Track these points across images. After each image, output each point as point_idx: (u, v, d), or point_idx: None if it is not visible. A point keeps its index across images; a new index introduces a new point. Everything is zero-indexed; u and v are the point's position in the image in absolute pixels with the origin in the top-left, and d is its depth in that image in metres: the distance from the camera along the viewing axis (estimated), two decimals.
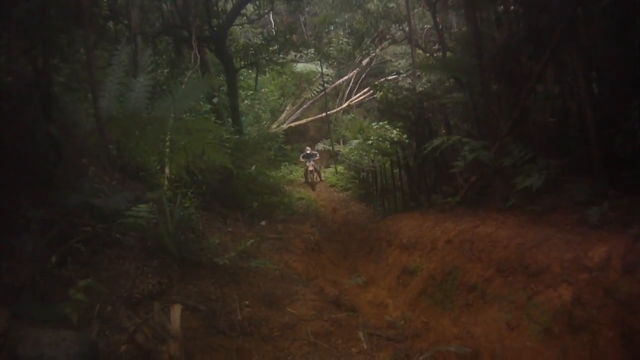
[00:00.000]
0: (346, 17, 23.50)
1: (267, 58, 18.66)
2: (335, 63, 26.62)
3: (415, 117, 11.68)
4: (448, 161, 10.05)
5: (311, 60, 24.70)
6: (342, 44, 24.93)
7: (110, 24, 14.29)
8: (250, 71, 22.13)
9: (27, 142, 5.94)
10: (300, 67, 26.44)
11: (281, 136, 23.61)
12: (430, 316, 6.78)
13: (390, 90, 12.93)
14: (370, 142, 19.01)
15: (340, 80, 29.29)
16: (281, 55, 19.10)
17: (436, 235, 7.92)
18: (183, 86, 7.17)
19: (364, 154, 20.10)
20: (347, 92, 29.31)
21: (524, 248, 5.48)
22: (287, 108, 28.27)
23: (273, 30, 24.02)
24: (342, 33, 25.66)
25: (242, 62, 18.53)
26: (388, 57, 27.55)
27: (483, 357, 5.11)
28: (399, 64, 25.83)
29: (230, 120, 16.15)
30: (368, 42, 23.93)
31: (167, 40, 16.58)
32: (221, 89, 16.91)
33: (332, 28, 25.27)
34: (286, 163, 23.22)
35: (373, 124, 21.36)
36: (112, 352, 3.83)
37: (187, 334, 4.45)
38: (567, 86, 7.77)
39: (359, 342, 5.29)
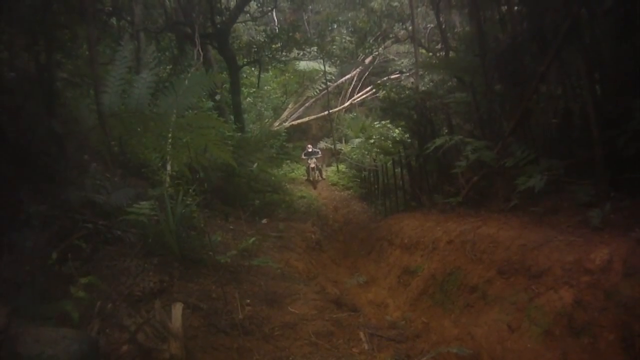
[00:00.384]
0: (349, 15, 23.57)
1: (270, 56, 18.68)
2: (338, 61, 26.59)
3: (417, 116, 11.66)
4: (450, 161, 10.03)
5: (314, 58, 24.70)
6: (345, 42, 24.96)
7: (114, 20, 14.30)
8: (252, 69, 22.16)
9: (29, 138, 5.95)
10: (302, 65, 26.46)
11: (283, 134, 23.58)
12: (430, 317, 6.77)
13: (393, 90, 12.92)
14: (372, 141, 19.03)
15: (343, 78, 29.27)
16: (284, 53, 19.15)
17: (437, 236, 7.90)
18: (186, 82, 7.18)
19: (366, 152, 20.13)
20: (350, 90, 29.30)
21: (525, 249, 5.46)
22: (290, 106, 28.29)
23: (276, 27, 23.99)
24: (345, 31, 25.73)
25: (245, 60, 18.52)
26: (391, 56, 27.56)
27: (483, 359, 5.10)
28: (402, 63, 25.83)
29: (232, 117, 16.15)
30: (371, 41, 23.99)
31: (170, 36, 16.58)
32: (223, 86, 16.91)
33: (335, 26, 25.36)
34: (288, 161, 23.18)
35: (375, 123, 21.39)
36: (113, 350, 3.82)
37: (188, 333, 4.44)
38: (570, 87, 7.75)
39: (360, 343, 5.28)
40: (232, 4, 18.33)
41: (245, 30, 24.65)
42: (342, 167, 23.08)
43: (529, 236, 5.71)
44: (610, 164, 6.08)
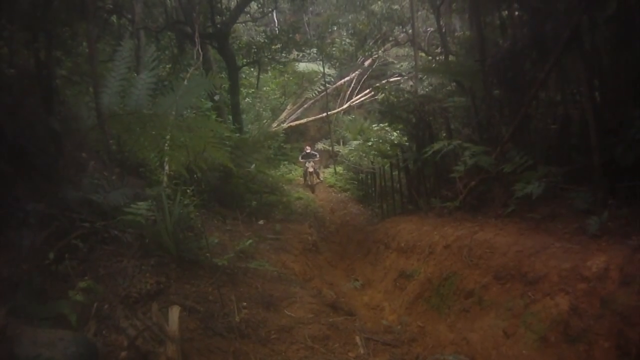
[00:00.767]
0: (350, 17, 23.54)
1: (270, 56, 18.70)
2: (337, 63, 26.61)
3: (416, 120, 11.67)
4: (448, 165, 10.04)
5: (313, 60, 24.77)
6: (344, 44, 24.95)
7: (114, 18, 14.27)
8: (252, 69, 22.18)
9: (27, 135, 5.91)
10: (302, 66, 26.52)
11: (281, 135, 23.58)
12: (426, 321, 6.78)
13: (392, 93, 12.93)
14: (370, 143, 19.04)
15: (342, 80, 29.31)
16: (283, 54, 19.16)
17: (434, 240, 7.91)
18: (185, 82, 7.17)
19: (364, 155, 20.12)
20: (349, 92, 29.32)
21: (522, 256, 5.47)
22: (288, 107, 28.30)
23: (276, 28, 24.00)
24: (345, 33, 25.72)
25: (245, 60, 18.54)
26: (390, 59, 27.56)
27: None
28: (401, 66, 25.85)
29: (230, 117, 16.16)
30: (371, 44, 23.98)
31: (170, 36, 16.57)
32: (222, 86, 16.90)
33: (335, 28, 25.34)
34: (285, 162, 23.14)
35: (373, 126, 21.43)
36: (110, 352, 3.81)
37: (185, 335, 4.43)
38: (569, 93, 7.77)
39: (355, 347, 5.28)
40: (233, 4, 18.34)
41: (245, 31, 24.66)
42: (339, 169, 23.07)
43: (526, 242, 5.72)
44: (608, 171, 6.09)
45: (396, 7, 21.63)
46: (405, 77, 24.72)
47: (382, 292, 9.02)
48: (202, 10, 15.46)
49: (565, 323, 4.35)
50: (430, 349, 5.85)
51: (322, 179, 22.02)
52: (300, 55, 21.06)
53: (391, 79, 25.55)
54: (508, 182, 7.52)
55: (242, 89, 20.34)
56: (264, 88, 25.43)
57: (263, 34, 21.13)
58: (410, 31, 19.53)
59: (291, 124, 27.27)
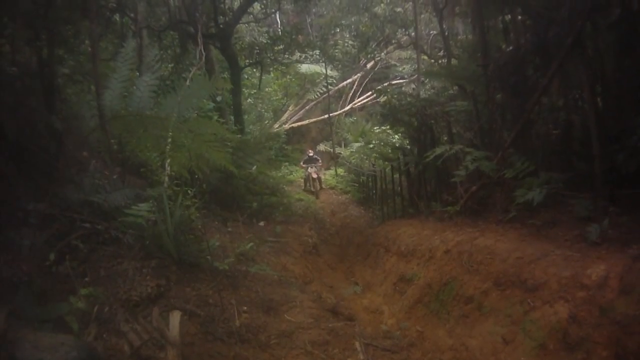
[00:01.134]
0: (352, 19, 23.54)
1: (272, 57, 18.67)
2: (339, 65, 26.60)
3: (418, 123, 11.67)
4: (449, 169, 10.04)
5: (316, 61, 24.71)
6: (347, 46, 24.95)
7: (117, 16, 14.25)
8: (254, 70, 22.14)
9: (28, 134, 5.90)
10: (304, 68, 26.50)
11: (283, 136, 23.54)
12: (425, 325, 6.78)
13: (395, 96, 12.91)
14: (371, 145, 18.99)
15: (344, 82, 29.29)
16: (286, 55, 19.11)
17: (434, 245, 7.90)
18: (187, 83, 7.14)
19: (365, 157, 20.07)
20: (351, 94, 29.31)
21: (522, 262, 5.47)
22: (290, 108, 28.30)
23: (279, 30, 24.01)
24: (347, 35, 25.71)
25: (247, 61, 18.52)
26: (393, 62, 27.58)
27: None
28: (404, 69, 25.85)
29: (232, 118, 16.14)
30: (373, 46, 23.97)
31: (173, 35, 16.56)
32: (224, 88, 16.88)
33: (338, 30, 25.31)
34: (286, 163, 23.07)
35: (375, 128, 21.39)
36: (110, 357, 3.80)
37: (185, 340, 4.41)
38: (571, 99, 7.76)
39: (355, 353, 5.27)
40: (236, 4, 18.31)
41: (248, 32, 24.64)
42: (340, 170, 23.03)
43: (526, 249, 5.73)
44: (609, 179, 6.09)
45: (399, 9, 21.65)
46: (407, 80, 24.71)
47: (382, 295, 9.02)
48: (205, 11, 15.45)
49: (564, 331, 4.36)
50: (429, 354, 5.85)
51: (324, 186, 20.81)
52: (303, 56, 20.98)
53: (393, 82, 25.53)
54: (509, 187, 7.52)
55: (244, 89, 20.30)
56: (266, 89, 25.42)
57: (266, 34, 21.10)
58: (413, 34, 19.54)
59: (293, 125, 27.26)
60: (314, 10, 27.55)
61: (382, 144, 17.85)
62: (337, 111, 28.16)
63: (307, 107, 28.57)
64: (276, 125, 25.14)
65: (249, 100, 22.73)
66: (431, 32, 21.62)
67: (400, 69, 26.61)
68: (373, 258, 11.49)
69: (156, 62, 7.14)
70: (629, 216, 5.55)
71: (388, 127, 17.20)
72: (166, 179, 6.72)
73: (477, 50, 10.19)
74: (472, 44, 12.11)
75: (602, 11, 6.60)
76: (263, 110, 24.62)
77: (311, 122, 28.38)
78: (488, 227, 7.38)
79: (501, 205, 7.70)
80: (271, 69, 21.48)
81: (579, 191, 6.53)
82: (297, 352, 5.01)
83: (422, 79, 17.48)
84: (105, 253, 5.30)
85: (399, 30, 22.46)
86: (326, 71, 25.75)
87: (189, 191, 7.04)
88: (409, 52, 25.04)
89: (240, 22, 18.12)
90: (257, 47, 18.17)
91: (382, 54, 25.87)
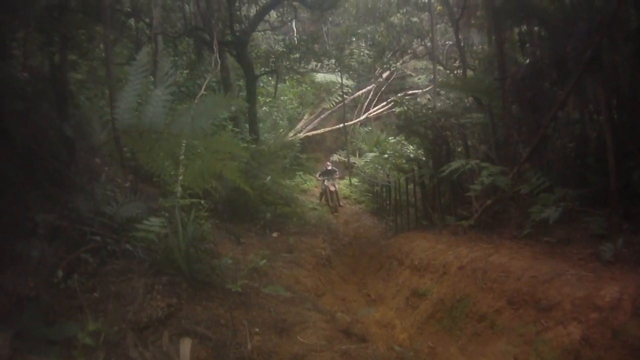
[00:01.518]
0: (369, 29, 23.61)
1: (288, 66, 18.74)
2: (355, 75, 26.63)
3: (433, 135, 11.59)
4: (464, 182, 9.96)
5: (331, 70, 24.75)
6: (363, 55, 24.96)
7: (132, 21, 14.31)
8: (270, 78, 22.21)
9: (39, 140, 5.79)
10: (320, 76, 26.58)
11: (297, 145, 23.57)
12: (437, 342, 6.70)
13: (411, 107, 12.86)
14: (386, 156, 18.96)
15: (360, 92, 29.34)
16: (302, 64, 19.14)
17: (448, 260, 7.82)
18: (202, 98, 7.06)
19: (379, 167, 20.04)
20: (366, 104, 29.37)
21: (536, 282, 5.41)
22: (305, 117, 28.32)
23: (295, 38, 24.09)
24: (363, 45, 25.77)
25: (263, 69, 18.56)
26: (408, 72, 27.56)
27: None
28: (419, 79, 25.83)
29: (247, 126, 16.16)
30: (389, 56, 23.99)
31: (188, 41, 16.63)
32: (240, 94, 16.91)
33: (354, 39, 25.38)
34: (300, 172, 23.08)
35: (390, 138, 21.36)
36: None
37: None
38: (587, 113, 7.68)
39: None
40: (252, 12, 18.37)
41: (264, 39, 24.76)
42: (354, 180, 23.00)
43: (541, 268, 5.66)
44: (624, 196, 6.02)
45: (415, 19, 21.66)
46: (422, 91, 24.69)
47: (394, 309, 8.93)
48: (221, 18, 15.50)
49: (576, 352, 4.32)
50: None
51: (342, 203, 19.71)
52: (319, 65, 21.02)
53: (409, 92, 25.52)
54: (524, 203, 7.45)
55: (259, 97, 20.34)
56: (282, 97, 25.48)
57: (282, 43, 21.18)
58: (428, 44, 19.52)
59: (308, 133, 27.27)
60: (330, 19, 27.64)
61: (396, 154, 17.81)
62: (352, 120, 28.17)
63: (322, 116, 28.60)
64: (291, 134, 25.15)
65: (264, 108, 22.78)
66: (447, 42, 21.60)
67: (416, 79, 26.58)
68: (386, 270, 11.40)
69: (171, 69, 7.09)
70: None
71: (403, 137, 17.15)
72: (179, 189, 6.68)
73: (493, 62, 10.13)
74: (488, 56, 12.05)
75: (620, 25, 6.52)
76: (278, 118, 24.65)
77: (326, 131, 28.41)
78: (502, 243, 7.30)
79: (516, 221, 7.62)
80: (287, 77, 21.53)
81: (594, 207, 6.47)
82: None
83: (438, 89, 17.43)
84: (115, 267, 5.17)
85: (415, 40, 22.47)
86: (342, 80, 25.78)
87: (202, 203, 6.97)
88: (425, 62, 25.04)
89: (257, 30, 18.15)
90: (273, 55, 18.24)
91: (398, 63, 25.87)
